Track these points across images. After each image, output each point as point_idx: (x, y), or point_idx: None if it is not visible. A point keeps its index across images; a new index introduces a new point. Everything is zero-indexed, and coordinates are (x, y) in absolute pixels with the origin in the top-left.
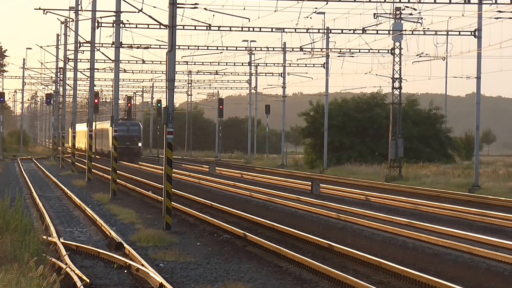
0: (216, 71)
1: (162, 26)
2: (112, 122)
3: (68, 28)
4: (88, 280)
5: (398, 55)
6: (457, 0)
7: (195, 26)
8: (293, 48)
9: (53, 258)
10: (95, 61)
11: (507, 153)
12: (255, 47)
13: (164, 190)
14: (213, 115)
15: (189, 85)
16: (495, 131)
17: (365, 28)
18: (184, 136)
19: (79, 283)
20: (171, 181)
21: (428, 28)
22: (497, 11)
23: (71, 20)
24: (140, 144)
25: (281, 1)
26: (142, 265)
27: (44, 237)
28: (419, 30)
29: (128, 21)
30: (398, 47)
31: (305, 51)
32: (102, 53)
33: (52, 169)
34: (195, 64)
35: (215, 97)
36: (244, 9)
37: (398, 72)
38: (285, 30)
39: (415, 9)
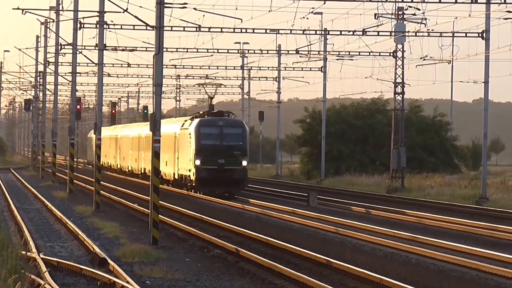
0: (207, 75)
1: (148, 27)
2: (96, 130)
3: (48, 29)
4: None
5: (401, 58)
6: (463, 0)
7: (184, 27)
8: (288, 50)
9: (32, 275)
10: (77, 64)
11: None
12: (248, 50)
13: (151, 202)
14: None
15: (178, 90)
16: (504, 139)
17: (366, 30)
18: None
19: None
20: (159, 193)
21: (432, 30)
22: (506, 11)
23: (51, 20)
24: (245, 163)
25: (275, 1)
26: (128, 282)
27: (23, 252)
28: (423, 32)
29: (112, 21)
30: (401, 49)
31: (302, 54)
32: (85, 56)
33: (32, 179)
34: (184, 67)
35: (205, 103)
36: (236, 9)
37: (401, 76)
38: (280, 31)
39: (419, 9)
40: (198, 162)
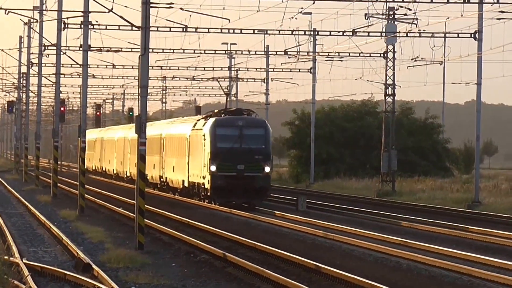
0: (193, 76)
1: (134, 28)
2: (80, 133)
3: (31, 29)
4: None
5: (392, 59)
6: (455, 0)
7: (170, 27)
8: (276, 51)
9: (15, 281)
10: (61, 65)
11: (509, 166)
12: (236, 51)
13: (136, 206)
14: None
15: (164, 91)
16: (497, 142)
17: (356, 30)
18: None
19: None
20: (144, 197)
21: (424, 30)
22: (499, 12)
23: (35, 20)
24: (268, 169)
25: (263, 1)
26: None
27: (6, 257)
28: (414, 32)
29: (97, 22)
30: (392, 50)
31: (290, 54)
32: (69, 56)
33: (15, 183)
34: (170, 69)
35: (192, 105)
36: (224, 9)
37: (392, 77)
38: (268, 31)
39: (410, 9)
40: (213, 168)
